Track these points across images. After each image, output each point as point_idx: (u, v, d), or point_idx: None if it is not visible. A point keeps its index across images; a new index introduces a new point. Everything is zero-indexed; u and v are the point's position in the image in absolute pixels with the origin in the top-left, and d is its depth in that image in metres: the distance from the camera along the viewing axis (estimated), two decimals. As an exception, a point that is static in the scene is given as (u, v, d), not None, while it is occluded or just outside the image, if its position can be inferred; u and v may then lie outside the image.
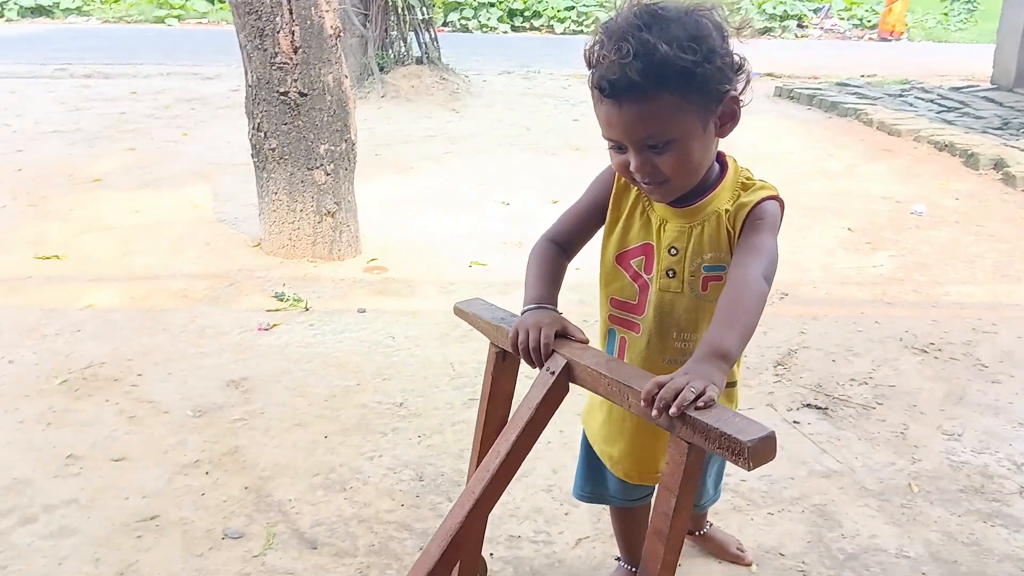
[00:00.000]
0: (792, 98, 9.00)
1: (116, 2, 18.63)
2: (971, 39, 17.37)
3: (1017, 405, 2.79)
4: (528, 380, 1.43)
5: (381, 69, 8.87)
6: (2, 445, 2.45)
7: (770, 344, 3.19)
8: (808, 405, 2.76)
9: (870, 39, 17.65)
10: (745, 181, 1.44)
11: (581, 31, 16.94)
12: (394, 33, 9.11)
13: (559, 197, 4.86)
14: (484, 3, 17.95)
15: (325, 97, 3.85)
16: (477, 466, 1.47)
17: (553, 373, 1.37)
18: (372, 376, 2.92)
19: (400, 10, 8.98)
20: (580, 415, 1.75)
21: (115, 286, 3.65)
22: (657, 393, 1.17)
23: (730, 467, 2.02)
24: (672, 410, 1.15)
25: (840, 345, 3.21)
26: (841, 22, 19.02)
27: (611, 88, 1.27)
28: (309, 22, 3.73)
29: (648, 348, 1.49)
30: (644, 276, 1.49)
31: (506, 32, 17.65)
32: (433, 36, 9.37)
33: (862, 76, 10.40)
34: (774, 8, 18.46)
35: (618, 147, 1.36)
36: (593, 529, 2.13)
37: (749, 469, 1.10)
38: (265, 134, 3.86)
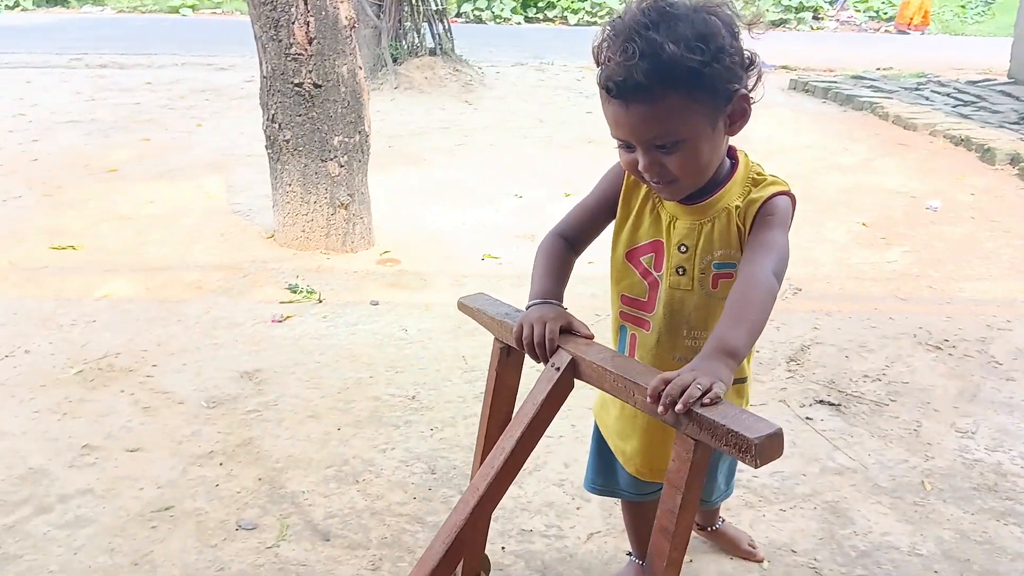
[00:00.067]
0: (807, 91, 8.94)
1: (131, -8, 18.69)
2: (988, 32, 17.21)
3: (1032, 403, 2.77)
4: (533, 376, 1.43)
5: (394, 60, 8.87)
6: (18, 435, 2.47)
7: (783, 339, 3.18)
8: (821, 401, 2.76)
9: (886, 31, 17.52)
10: (756, 176, 1.43)
11: (595, 22, 16.85)
12: (408, 24, 9.10)
13: (572, 190, 4.85)
14: (497, -7, 17.92)
15: (339, 88, 3.85)
16: (481, 463, 1.47)
17: (558, 369, 1.37)
18: (385, 369, 2.92)
19: (414, 1, 8.97)
20: (592, 409, 1.75)
21: (130, 277, 3.67)
22: (663, 389, 1.17)
23: (741, 463, 2.02)
24: (678, 406, 1.14)
25: (853, 341, 3.20)
26: (857, 14, 18.87)
27: (618, 89, 1.26)
28: (324, 13, 3.73)
29: (659, 345, 1.49)
30: (654, 273, 1.48)
31: (519, 23, 17.59)
32: (447, 27, 9.35)
33: (878, 69, 10.31)
34: (790, 0, 18.33)
35: (626, 146, 1.35)
36: (605, 524, 2.13)
37: (756, 466, 1.10)
38: (279, 125, 3.87)
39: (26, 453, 2.38)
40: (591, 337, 1.41)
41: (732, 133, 1.37)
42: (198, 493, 2.23)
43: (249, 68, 9.14)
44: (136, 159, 5.69)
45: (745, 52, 1.31)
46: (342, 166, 3.93)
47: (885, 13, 18.74)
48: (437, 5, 9.21)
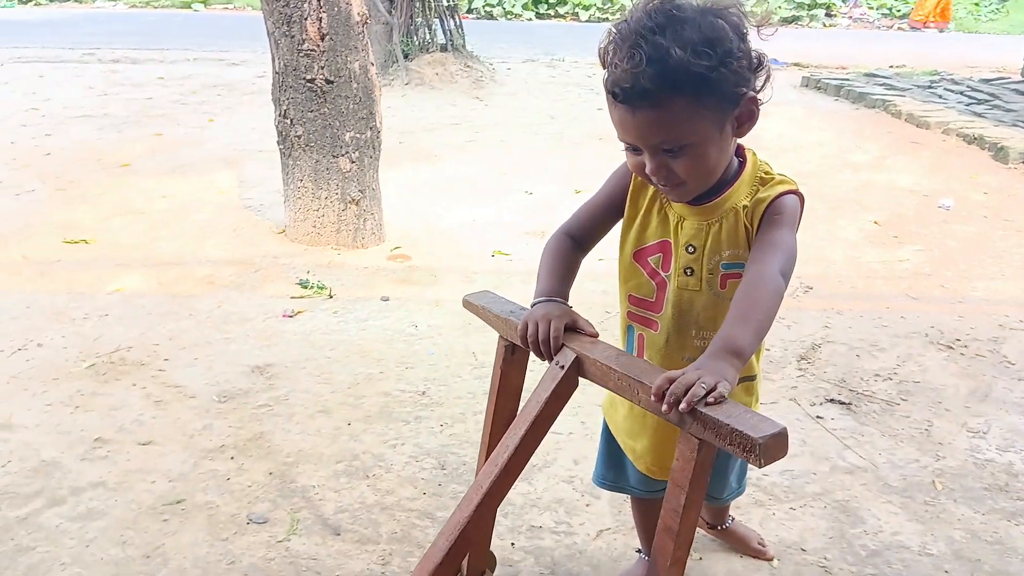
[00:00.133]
0: (819, 88, 8.91)
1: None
2: (1002, 30, 17.11)
3: (1044, 403, 2.76)
4: (538, 373, 1.43)
5: (406, 56, 8.87)
6: (31, 427, 2.49)
7: (794, 338, 3.17)
8: (832, 400, 2.75)
9: (899, 29, 17.42)
10: (763, 176, 1.42)
11: (606, 19, 16.81)
12: (419, 20, 9.11)
13: (582, 187, 4.84)
14: (509, -11, 17.90)
15: (351, 84, 3.86)
16: (486, 460, 1.47)
17: (563, 367, 1.37)
18: (395, 364, 2.93)
19: (425, -3, 8.99)
20: (601, 406, 1.75)
21: (142, 271, 3.69)
22: (667, 388, 1.17)
23: (752, 461, 2.02)
24: (682, 406, 1.14)
25: (865, 340, 3.19)
26: (870, 11, 18.77)
27: (624, 95, 1.26)
28: (336, 9, 3.74)
29: (667, 346, 1.49)
30: (662, 274, 1.48)
31: (531, 19, 17.57)
32: (458, 23, 9.36)
33: (891, 67, 10.27)
34: (802, -4, 18.27)
35: (633, 149, 1.34)
36: (614, 521, 2.14)
37: (760, 466, 1.09)
38: (291, 121, 3.88)
39: (39, 446, 2.40)
40: (596, 335, 1.41)
41: (740, 135, 1.36)
42: (209, 487, 2.24)
43: (261, 63, 9.18)
44: (148, 154, 5.72)
45: (753, 54, 1.30)
46: (353, 162, 3.94)
47: (898, 10, 18.63)
48: (448, 1, 9.21)
